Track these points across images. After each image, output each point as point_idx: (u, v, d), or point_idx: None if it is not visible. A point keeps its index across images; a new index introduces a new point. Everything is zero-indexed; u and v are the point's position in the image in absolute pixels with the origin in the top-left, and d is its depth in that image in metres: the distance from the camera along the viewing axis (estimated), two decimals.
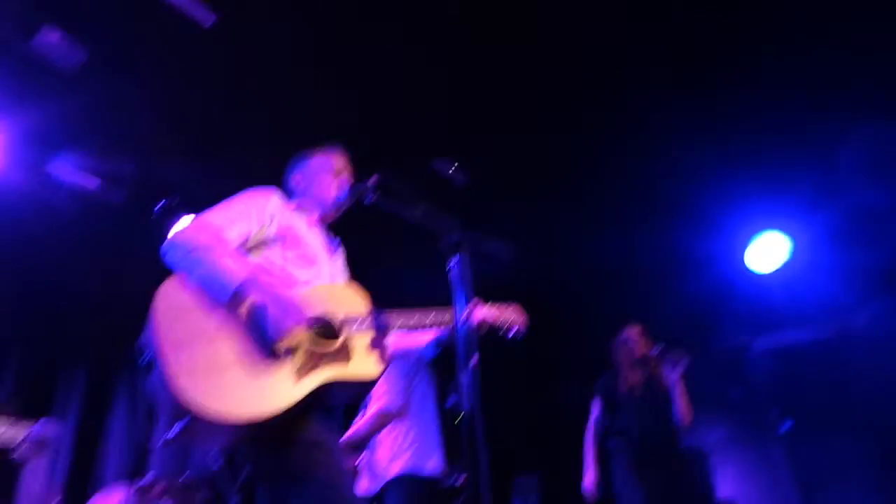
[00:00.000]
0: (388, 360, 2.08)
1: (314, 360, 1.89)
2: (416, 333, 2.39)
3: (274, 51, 4.04)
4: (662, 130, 4.67)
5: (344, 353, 1.96)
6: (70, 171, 4.72)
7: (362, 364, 1.97)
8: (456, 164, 4.93)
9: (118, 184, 4.86)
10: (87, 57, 3.97)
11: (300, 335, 1.90)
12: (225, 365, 1.77)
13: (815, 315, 5.61)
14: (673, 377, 4.27)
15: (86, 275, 5.09)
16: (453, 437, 3.39)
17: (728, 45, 4.05)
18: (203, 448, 4.07)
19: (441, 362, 3.52)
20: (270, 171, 2.69)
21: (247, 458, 1.90)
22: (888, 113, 4.30)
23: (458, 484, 3.41)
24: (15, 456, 1.79)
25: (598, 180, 5.17)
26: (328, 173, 2.46)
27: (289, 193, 2.52)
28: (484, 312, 2.38)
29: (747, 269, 5.56)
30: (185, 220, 4.82)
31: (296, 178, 2.51)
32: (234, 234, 2.05)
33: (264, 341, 1.85)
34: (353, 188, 2.43)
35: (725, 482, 5.65)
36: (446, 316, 2.25)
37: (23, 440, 1.77)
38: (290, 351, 1.87)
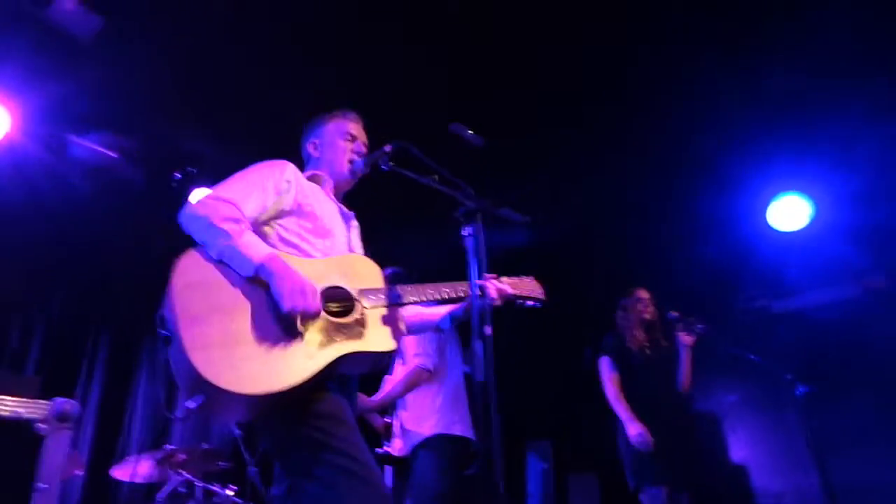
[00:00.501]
0: (403, 334, 2.09)
1: (329, 334, 1.91)
2: (431, 307, 2.39)
3: (291, 15, 3.99)
4: (683, 91, 4.57)
5: (359, 327, 1.97)
6: (89, 142, 4.76)
7: (377, 337, 1.98)
8: (471, 131, 4.93)
9: (137, 154, 4.90)
10: (103, 25, 3.97)
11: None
12: (241, 339, 1.79)
13: (836, 276, 5.54)
14: (683, 342, 4.26)
15: (106, 245, 5.16)
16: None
17: (753, 7, 3.93)
18: (221, 420, 4.15)
19: (458, 331, 3.57)
20: (289, 140, 2.69)
21: (264, 430, 1.94)
22: None
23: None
24: (36, 430, 1.84)
25: (618, 143, 5.09)
26: (343, 139, 2.44)
27: (304, 160, 2.52)
28: (500, 286, 2.36)
29: (768, 231, 5.49)
30: (201, 192, 4.86)
31: (311, 145, 2.49)
32: (252, 207, 2.05)
33: (281, 314, 1.86)
34: (369, 155, 2.41)
35: (738, 445, 5.69)
36: (461, 289, 2.25)
37: (44, 415, 1.82)
38: (306, 324, 1.88)
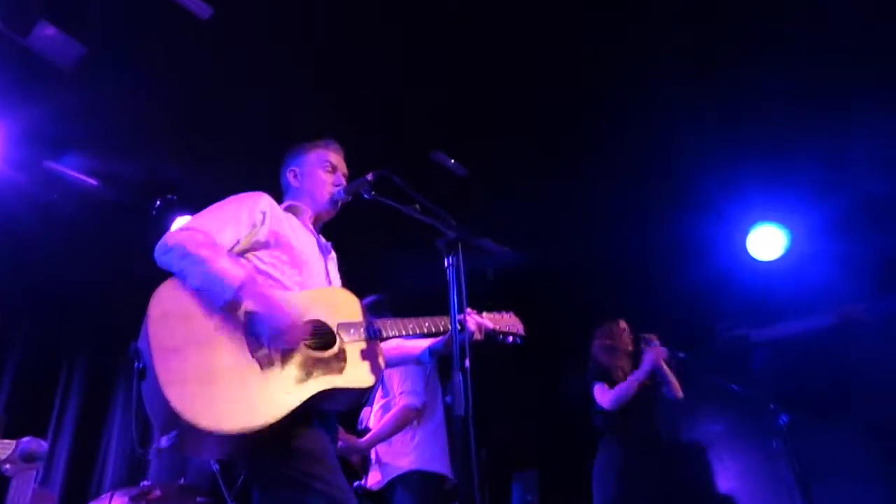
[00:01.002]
0: (382, 369, 2.06)
1: (308, 368, 1.87)
2: (411, 341, 2.37)
3: (272, 47, 4.02)
4: (662, 121, 4.63)
5: (338, 361, 1.94)
6: (68, 169, 4.71)
7: (357, 373, 1.96)
8: (453, 160, 4.97)
9: (116, 181, 4.86)
10: (84, 53, 3.95)
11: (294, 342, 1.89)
12: (217, 373, 1.74)
13: (816, 305, 5.60)
14: (651, 357, 4.23)
15: (84, 274, 5.08)
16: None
17: (732, 36, 4.00)
18: (197, 456, 4.06)
19: (438, 366, 3.54)
20: (268, 169, 2.67)
21: (243, 466, 1.90)
22: (890, 104, 4.27)
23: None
24: (2, 471, 1.78)
25: (597, 172, 5.14)
26: (324, 169, 2.42)
27: (283, 189, 2.50)
28: (480, 322, 2.34)
29: (747, 259, 5.56)
30: (179, 222, 4.82)
31: (290, 173, 2.46)
32: (226, 239, 2.02)
33: (259, 347, 1.83)
34: (351, 183, 2.40)
35: (725, 475, 5.66)
36: (441, 324, 2.23)
37: (9, 455, 1.77)
38: (284, 359, 1.85)
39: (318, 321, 1.99)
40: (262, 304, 1.84)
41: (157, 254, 1.93)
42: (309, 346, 1.92)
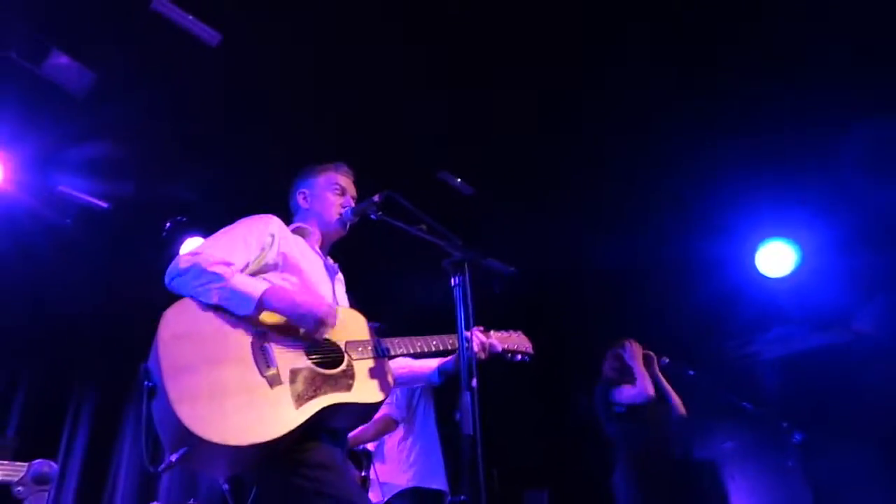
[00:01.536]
0: (391, 387, 2.07)
1: (316, 384, 1.90)
2: (420, 360, 2.38)
3: (279, 71, 4.08)
4: (671, 136, 4.64)
5: (346, 379, 1.96)
6: (79, 193, 4.78)
7: (364, 390, 1.97)
8: (459, 179, 5.00)
9: (126, 204, 4.92)
10: (95, 79, 4.03)
11: (299, 360, 1.92)
12: (227, 391, 1.77)
13: (826, 321, 5.56)
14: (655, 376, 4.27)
15: (95, 296, 5.12)
16: (457, 457, 3.43)
17: (738, 51, 4.02)
18: (206, 473, 4.07)
19: (447, 383, 3.57)
20: (276, 191, 2.71)
21: (253, 480, 1.91)
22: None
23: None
24: (14, 493, 1.79)
25: (606, 188, 5.16)
26: (333, 191, 2.45)
27: (292, 210, 2.53)
28: (487, 341, 2.35)
29: (757, 275, 5.53)
30: (193, 242, 4.86)
31: (300, 195, 2.49)
32: (236, 262, 2.05)
33: (267, 367, 1.86)
34: (358, 204, 2.42)
35: (737, 493, 5.58)
36: (449, 342, 2.24)
37: (21, 478, 1.78)
38: (293, 376, 1.87)
39: (326, 339, 2.01)
40: (292, 301, 1.93)
41: (168, 277, 1.96)
42: (317, 364, 1.94)
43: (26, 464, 1.84)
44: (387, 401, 3.37)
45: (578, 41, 3.93)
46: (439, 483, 3.47)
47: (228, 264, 1.97)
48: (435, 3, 3.66)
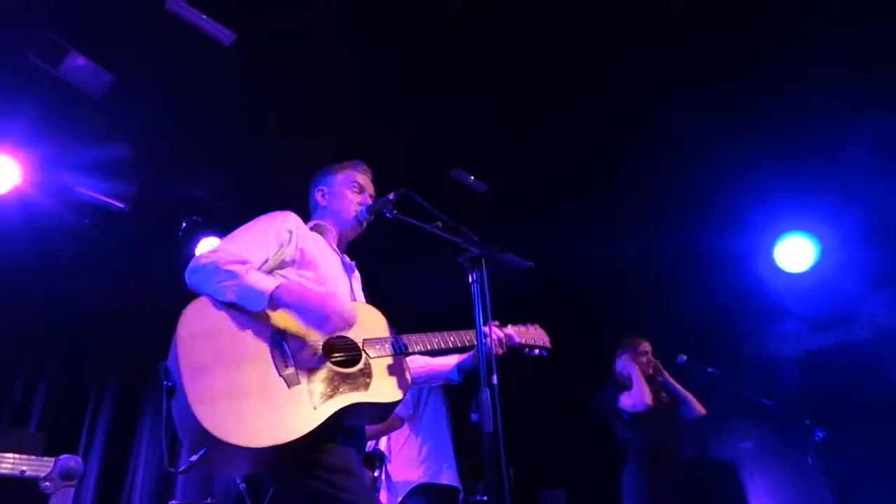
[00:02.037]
0: (408, 386, 2.06)
1: (334, 384, 1.89)
2: (438, 358, 2.37)
3: (294, 70, 4.09)
4: (687, 131, 4.58)
5: (364, 377, 1.95)
6: (96, 193, 4.82)
7: (383, 388, 1.96)
8: (472, 177, 4.99)
9: (144, 204, 4.96)
10: (113, 81, 4.06)
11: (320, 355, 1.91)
12: (245, 391, 1.76)
13: (846, 317, 5.48)
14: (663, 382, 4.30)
15: (114, 295, 5.16)
16: (476, 455, 3.44)
17: (756, 46, 3.98)
18: (225, 473, 4.10)
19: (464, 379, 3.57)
20: (292, 189, 2.71)
21: (270, 481, 1.91)
22: None
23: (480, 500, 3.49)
24: (41, 488, 1.80)
25: (621, 184, 5.12)
26: (351, 189, 2.45)
27: (310, 208, 2.53)
28: (501, 337, 2.33)
29: (775, 272, 5.46)
30: (209, 242, 4.89)
31: (319, 192, 2.50)
32: (255, 258, 2.06)
33: (286, 365, 1.86)
34: (373, 203, 2.42)
35: (757, 493, 5.52)
36: (466, 338, 2.23)
37: (49, 473, 1.79)
38: (311, 375, 1.87)
39: (344, 336, 2.00)
40: (301, 301, 1.90)
41: (188, 275, 1.97)
42: (335, 363, 1.94)
43: (53, 459, 1.86)
44: None
45: (593, 38, 3.91)
46: (451, 479, 3.47)
47: (244, 262, 1.97)
48: (448, 3, 3.65)
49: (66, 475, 1.82)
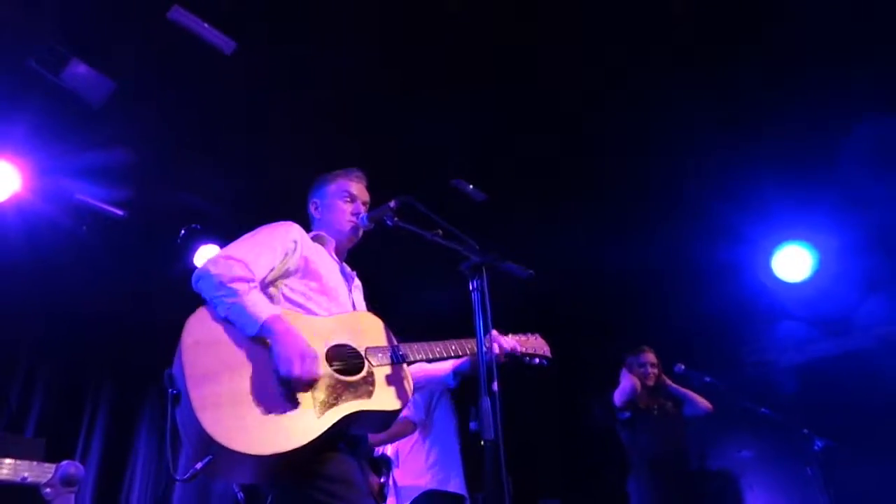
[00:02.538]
0: (409, 394, 2.06)
1: (337, 392, 1.89)
2: (434, 363, 2.37)
3: (294, 79, 4.10)
4: (683, 143, 4.61)
5: (367, 385, 1.95)
6: (94, 200, 4.82)
7: (386, 396, 1.97)
8: (472, 186, 4.99)
9: (142, 211, 4.96)
10: (114, 88, 4.07)
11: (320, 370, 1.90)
12: (249, 398, 1.77)
13: (845, 326, 5.48)
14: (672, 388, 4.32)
15: (110, 303, 5.16)
16: (476, 463, 3.42)
17: (754, 54, 3.99)
18: (228, 481, 4.08)
19: (462, 388, 3.56)
20: (290, 199, 2.71)
21: (271, 490, 1.90)
22: None
23: None
24: (43, 494, 1.79)
25: (620, 193, 5.13)
26: (343, 199, 2.45)
27: (309, 221, 2.54)
28: (506, 344, 2.34)
29: (773, 281, 5.46)
30: (208, 249, 4.89)
31: (312, 205, 2.51)
32: (261, 267, 2.07)
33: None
34: (374, 210, 2.42)
35: (758, 502, 5.51)
36: (468, 347, 2.23)
37: (50, 479, 1.79)
38: (313, 385, 1.86)
39: (346, 345, 2.01)
40: (283, 339, 1.84)
41: (195, 279, 1.98)
42: (338, 370, 1.94)
43: (54, 465, 1.85)
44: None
45: (592, 45, 3.92)
46: (458, 487, 3.47)
47: (250, 280, 1.98)
48: (449, 9, 3.66)
49: (67, 481, 1.81)
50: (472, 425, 3.65)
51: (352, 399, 1.90)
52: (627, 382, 4.29)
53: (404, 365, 2.08)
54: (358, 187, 2.50)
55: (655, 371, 4.46)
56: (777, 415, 4.30)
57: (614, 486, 4.43)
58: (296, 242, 2.20)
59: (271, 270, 2.11)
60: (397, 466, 3.56)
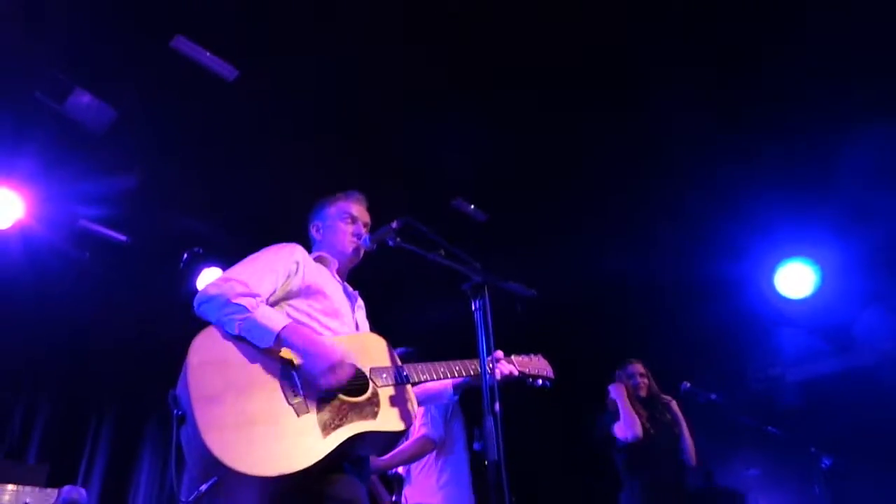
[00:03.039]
0: (412, 415, 2.05)
1: (342, 413, 1.89)
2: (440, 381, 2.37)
3: (295, 104, 4.15)
4: (686, 160, 4.62)
5: (371, 406, 1.95)
6: (97, 226, 4.85)
7: (389, 418, 1.97)
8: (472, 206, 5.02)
9: (145, 237, 4.98)
10: (116, 116, 4.12)
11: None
12: (255, 419, 1.77)
13: (848, 343, 5.46)
14: (677, 416, 4.16)
15: (114, 328, 5.16)
16: (480, 483, 3.39)
17: (756, 73, 4.01)
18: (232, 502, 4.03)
19: (466, 408, 3.54)
20: (292, 222, 2.73)
21: None
22: None
23: None
24: None
25: (623, 210, 5.14)
26: (344, 221, 2.47)
27: (310, 244, 2.55)
28: (509, 367, 2.34)
29: (776, 297, 5.44)
30: (211, 273, 4.90)
31: (314, 227, 2.52)
32: (264, 288, 2.07)
33: (295, 394, 1.86)
34: (376, 231, 2.44)
35: None
36: (471, 367, 2.23)
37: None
38: (319, 405, 1.87)
39: (353, 365, 1.99)
40: (306, 345, 1.89)
41: (197, 304, 1.98)
42: (342, 392, 1.94)
43: (56, 490, 1.85)
44: (423, 421, 3.37)
45: (593, 61, 3.93)
46: None
47: (254, 295, 1.98)
48: (452, 29, 3.70)
49: None
50: (476, 445, 3.63)
51: (357, 420, 1.90)
52: (630, 422, 4.08)
53: (408, 385, 2.08)
54: (359, 209, 2.52)
55: (646, 381, 4.30)
56: (783, 433, 4.25)
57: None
58: (298, 263, 2.21)
59: (273, 292, 2.11)
60: (409, 484, 3.51)
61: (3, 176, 4.36)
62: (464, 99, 4.14)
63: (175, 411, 1.78)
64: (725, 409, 4.27)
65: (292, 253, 2.24)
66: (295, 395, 1.86)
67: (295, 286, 2.17)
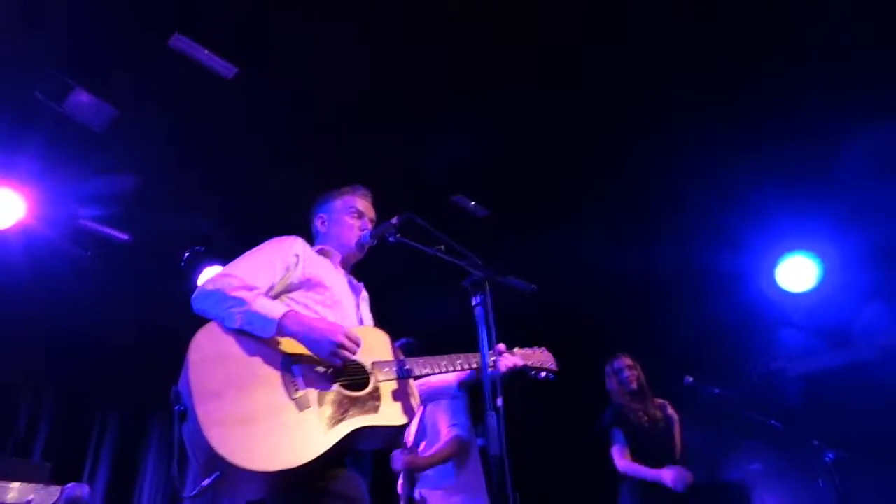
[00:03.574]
0: (414, 409, 2.06)
1: (344, 407, 1.89)
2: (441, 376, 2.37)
3: (294, 102, 4.14)
4: (688, 153, 4.59)
5: (373, 400, 1.95)
6: (98, 225, 4.85)
7: (392, 411, 1.97)
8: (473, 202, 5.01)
9: (146, 235, 4.98)
10: (116, 115, 4.12)
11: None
12: (256, 415, 1.77)
13: (850, 337, 5.45)
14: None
15: (116, 326, 5.17)
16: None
17: (756, 68, 3.99)
18: (234, 497, 4.05)
19: (471, 404, 3.53)
20: (293, 219, 2.73)
21: None
22: None
23: None
24: None
25: (623, 204, 5.13)
26: (350, 215, 2.47)
27: (313, 236, 2.55)
28: (512, 359, 2.35)
29: (779, 291, 5.43)
30: (211, 271, 4.91)
31: (318, 220, 2.52)
32: (261, 283, 2.07)
33: (296, 389, 1.85)
34: (376, 227, 2.44)
35: None
36: (473, 361, 2.23)
37: (56, 501, 1.79)
38: (321, 399, 1.87)
39: (353, 360, 2.00)
40: (307, 331, 1.91)
41: (195, 301, 1.99)
42: (344, 386, 1.94)
43: (60, 487, 1.85)
44: (453, 422, 3.38)
45: (593, 56, 3.92)
46: None
47: (251, 288, 1.98)
48: (450, 27, 3.70)
49: (72, 503, 1.81)
50: (480, 441, 3.62)
51: (358, 414, 1.90)
52: (619, 457, 4.00)
53: (410, 380, 2.08)
54: (365, 204, 2.53)
55: (635, 373, 4.22)
56: (786, 427, 4.24)
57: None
58: (298, 256, 2.21)
59: (272, 286, 2.12)
60: (424, 483, 3.49)
61: (3, 175, 4.36)
62: (464, 96, 4.13)
63: (176, 407, 1.78)
64: (728, 404, 4.26)
65: (292, 246, 2.24)
66: (296, 390, 1.86)
67: (295, 279, 2.17)
